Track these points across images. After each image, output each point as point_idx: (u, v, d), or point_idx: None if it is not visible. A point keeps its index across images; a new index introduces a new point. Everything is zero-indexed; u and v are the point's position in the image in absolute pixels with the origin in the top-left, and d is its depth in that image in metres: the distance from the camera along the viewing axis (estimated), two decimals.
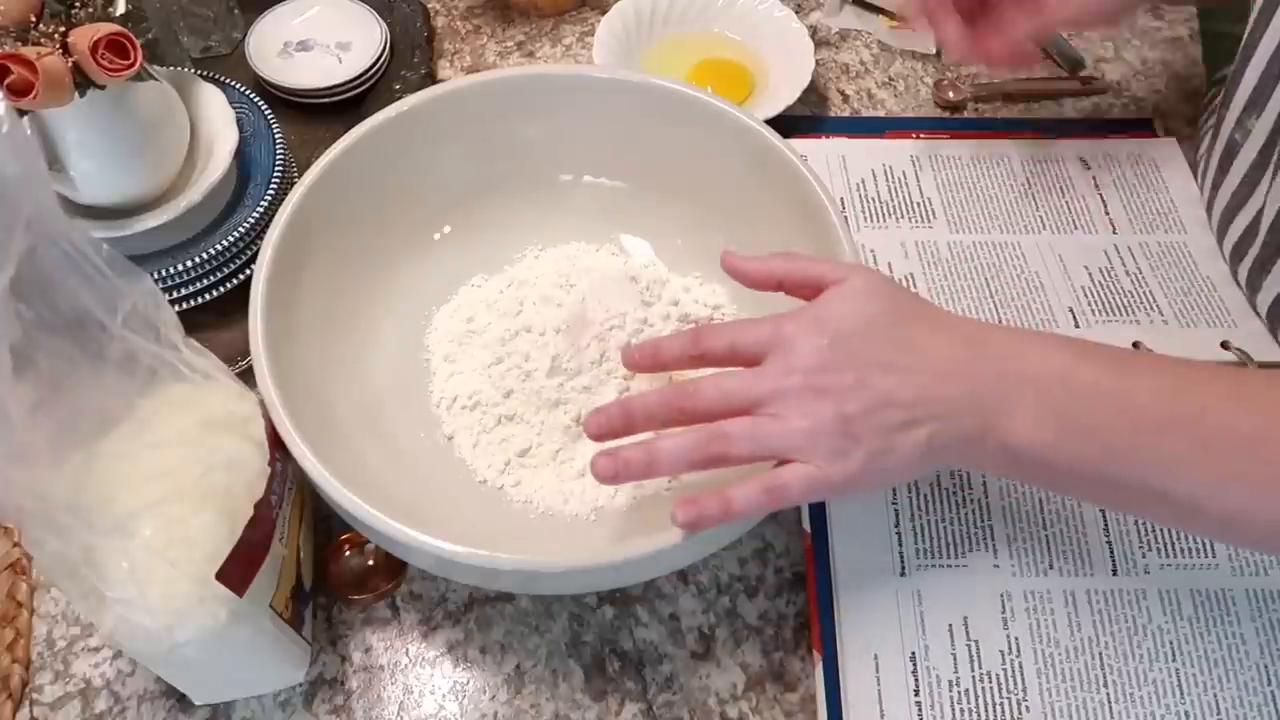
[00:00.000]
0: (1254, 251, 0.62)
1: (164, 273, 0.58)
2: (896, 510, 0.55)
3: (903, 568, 0.54)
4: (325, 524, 0.56)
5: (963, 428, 0.42)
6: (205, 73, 0.65)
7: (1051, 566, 0.54)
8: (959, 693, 0.50)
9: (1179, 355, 0.59)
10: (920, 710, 0.50)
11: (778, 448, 0.42)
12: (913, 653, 0.51)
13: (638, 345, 0.48)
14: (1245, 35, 0.61)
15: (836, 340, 0.42)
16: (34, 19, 0.51)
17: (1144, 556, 0.54)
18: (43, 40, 0.51)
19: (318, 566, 0.54)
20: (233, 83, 0.66)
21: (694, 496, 0.42)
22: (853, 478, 0.41)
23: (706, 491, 0.43)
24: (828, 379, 0.41)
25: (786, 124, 0.72)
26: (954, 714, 0.50)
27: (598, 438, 0.45)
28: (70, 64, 0.51)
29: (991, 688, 0.50)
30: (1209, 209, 0.68)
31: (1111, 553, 0.54)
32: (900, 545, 0.54)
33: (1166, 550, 0.54)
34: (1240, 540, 0.50)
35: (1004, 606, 0.53)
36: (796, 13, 0.78)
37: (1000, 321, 0.62)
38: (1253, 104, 0.61)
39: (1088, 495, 0.48)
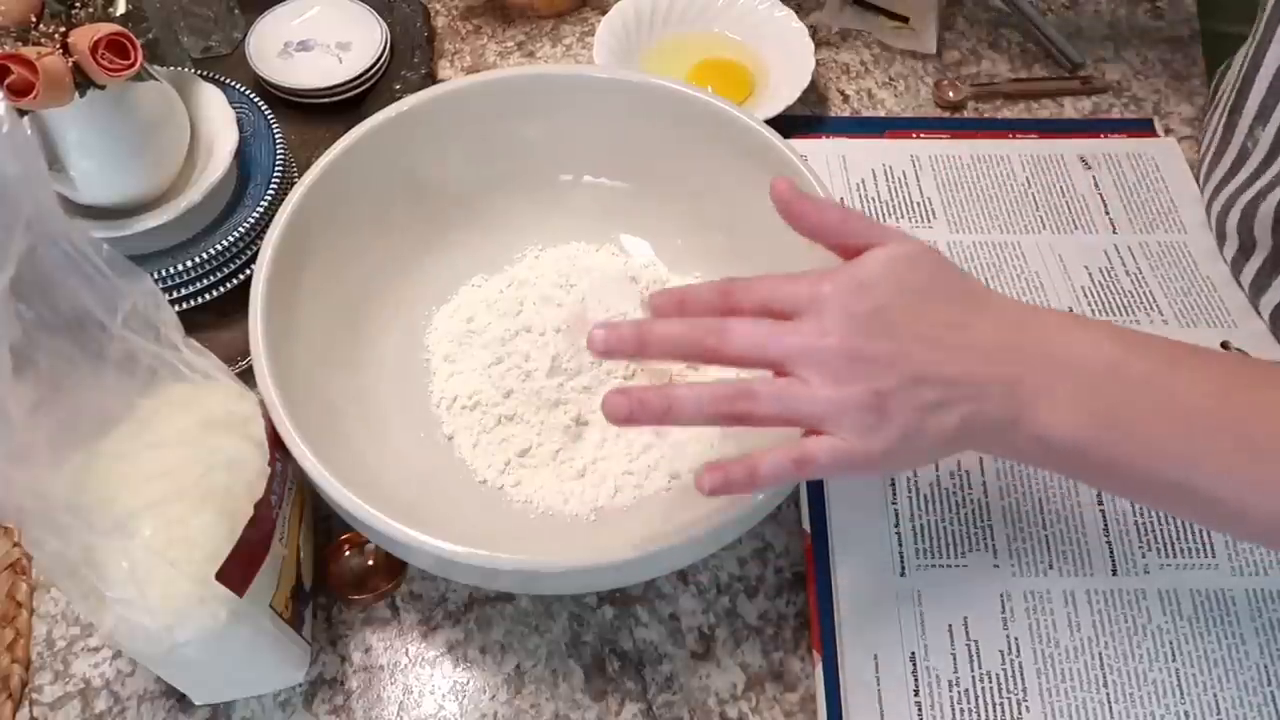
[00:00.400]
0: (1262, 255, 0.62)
1: (164, 273, 0.58)
2: (896, 510, 0.55)
3: (903, 568, 0.54)
4: (325, 524, 0.56)
5: (997, 413, 0.40)
6: (205, 73, 0.65)
7: (1051, 566, 0.54)
8: (959, 693, 0.50)
9: None
10: (920, 710, 0.50)
11: (806, 414, 0.40)
12: (913, 653, 0.51)
13: (664, 290, 0.44)
14: (1253, 45, 0.61)
15: (878, 308, 0.40)
16: (34, 19, 0.51)
17: (1144, 556, 0.54)
18: (43, 40, 0.51)
19: (318, 566, 0.54)
20: (233, 83, 0.66)
21: (720, 463, 0.41)
22: (881, 455, 0.40)
23: (733, 461, 0.41)
24: (864, 346, 0.39)
25: (786, 124, 0.72)
26: (954, 714, 0.50)
27: (604, 354, 0.42)
28: (70, 64, 0.51)
29: (991, 688, 0.50)
30: (1211, 209, 0.68)
31: (1111, 553, 0.54)
32: (900, 545, 0.54)
33: (1166, 550, 0.54)
34: None
35: (1004, 606, 0.53)
36: (796, 13, 0.78)
37: None
38: (1260, 115, 0.61)
39: (1122, 491, 0.46)
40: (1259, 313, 0.63)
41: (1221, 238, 0.66)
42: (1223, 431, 0.40)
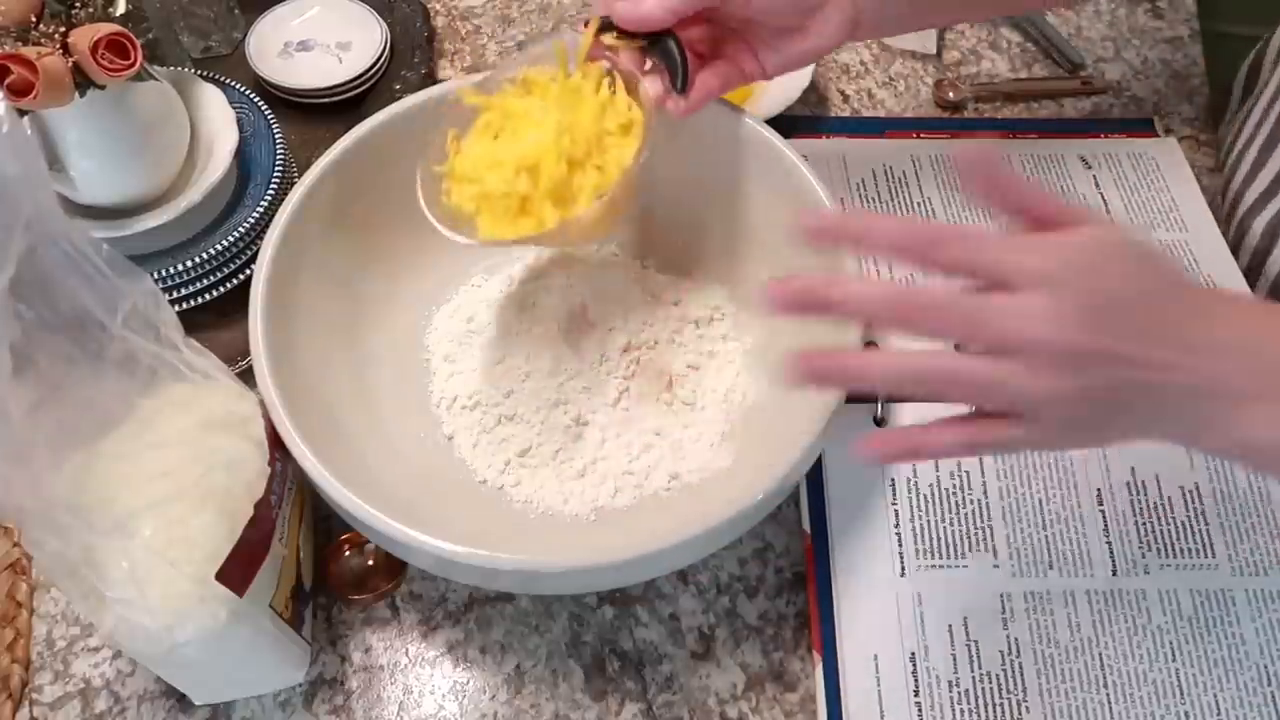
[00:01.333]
0: None
1: (164, 273, 0.58)
2: (896, 510, 0.55)
3: (903, 568, 0.54)
4: (325, 524, 0.56)
5: (1195, 414, 0.38)
6: (205, 73, 0.65)
7: (1051, 567, 0.54)
8: (959, 693, 0.50)
9: None
10: (920, 710, 0.50)
11: (1012, 403, 0.37)
12: (912, 653, 0.51)
13: (841, 215, 0.40)
14: None
15: (1112, 301, 0.36)
16: (34, 19, 0.51)
17: (1144, 556, 0.54)
18: (43, 40, 0.51)
19: (318, 566, 0.54)
20: (233, 83, 0.66)
21: (888, 434, 0.39)
22: (1062, 446, 0.39)
23: (900, 430, 0.39)
24: (1093, 343, 0.35)
25: (786, 124, 0.72)
26: (954, 714, 0.50)
27: (786, 305, 0.38)
28: (70, 64, 0.51)
29: (991, 688, 0.50)
30: (1251, 224, 0.66)
31: (1111, 553, 0.54)
32: (900, 546, 0.54)
33: (1166, 550, 0.54)
34: None
35: (1004, 607, 0.53)
36: None
37: None
38: None
39: None
40: None
41: (1266, 252, 0.64)
42: None
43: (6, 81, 0.49)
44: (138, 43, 0.53)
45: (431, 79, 0.77)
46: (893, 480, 0.57)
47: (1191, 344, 0.37)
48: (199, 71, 0.65)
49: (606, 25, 0.50)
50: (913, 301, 0.36)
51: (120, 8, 0.56)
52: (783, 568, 0.56)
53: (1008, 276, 0.36)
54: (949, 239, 0.37)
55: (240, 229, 0.60)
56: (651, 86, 0.50)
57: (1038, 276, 0.35)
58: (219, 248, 0.60)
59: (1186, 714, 0.50)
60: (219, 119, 0.63)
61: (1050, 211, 0.38)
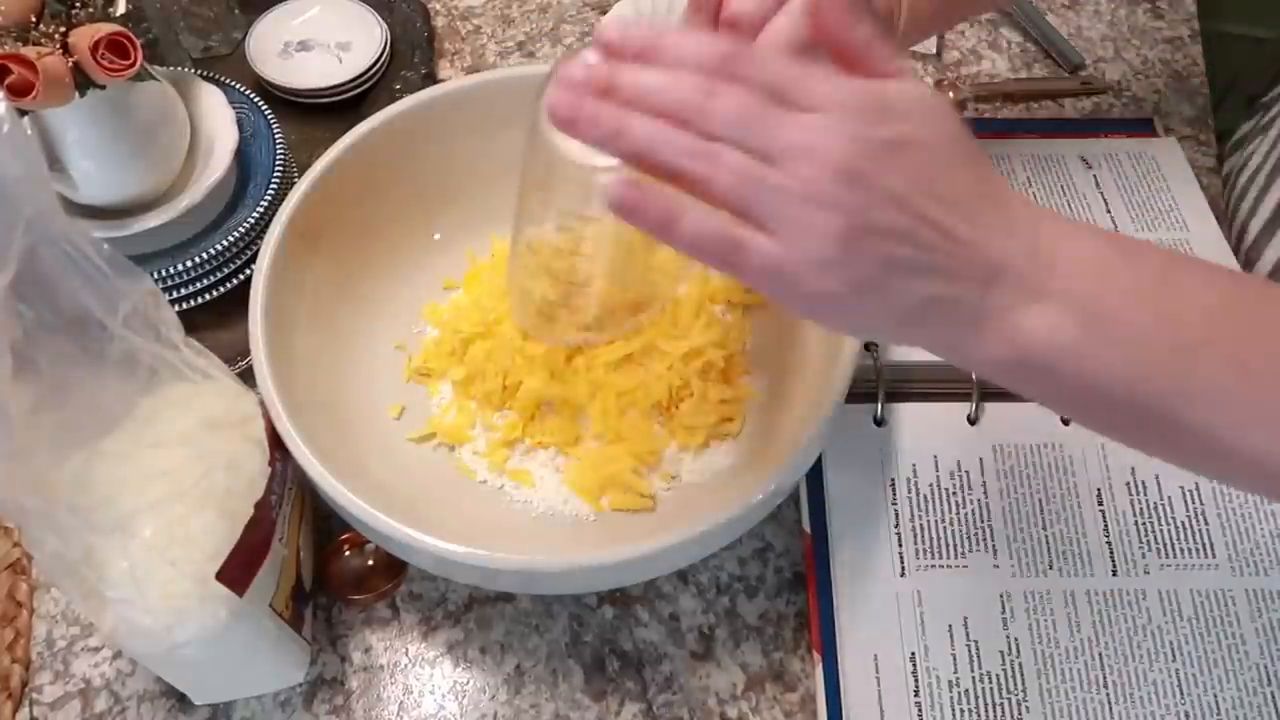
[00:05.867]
0: None
1: (164, 273, 0.58)
2: (896, 511, 0.55)
3: (903, 568, 0.54)
4: (325, 524, 0.56)
5: (971, 303, 0.35)
6: (205, 73, 0.65)
7: (1051, 567, 0.54)
8: (959, 693, 0.50)
9: None
10: (920, 710, 0.50)
11: (764, 207, 0.33)
12: (913, 653, 0.51)
13: (629, 29, 0.35)
14: None
15: (899, 141, 0.33)
16: (34, 19, 0.51)
17: (1144, 556, 0.54)
18: (43, 40, 0.51)
19: (318, 566, 0.54)
20: (233, 83, 0.66)
21: (643, 187, 0.34)
22: (824, 296, 0.34)
23: (657, 193, 0.34)
24: (867, 172, 0.33)
25: None
26: (954, 714, 0.50)
27: (565, 84, 0.34)
28: (70, 64, 0.51)
29: (991, 688, 0.50)
30: (1241, 233, 0.66)
31: (1111, 553, 0.54)
32: (900, 545, 0.54)
33: (1166, 550, 0.54)
34: (1267, 490, 0.40)
35: (1004, 607, 0.52)
36: None
37: None
38: None
39: (1089, 415, 0.39)
40: None
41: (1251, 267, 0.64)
42: (1215, 349, 0.35)
43: (6, 81, 0.49)
44: (138, 43, 0.53)
45: (431, 79, 0.77)
46: (893, 480, 0.57)
47: (982, 220, 0.35)
48: (199, 71, 0.65)
49: None
50: (693, 85, 0.33)
51: (120, 8, 0.57)
52: (783, 568, 0.56)
53: (801, 98, 0.33)
54: (736, 58, 0.34)
55: (240, 229, 0.60)
56: None
57: (833, 101, 0.33)
58: (219, 248, 0.60)
59: (1186, 714, 0.50)
60: (219, 119, 0.63)
61: (871, 59, 0.35)
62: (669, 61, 0.34)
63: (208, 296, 0.61)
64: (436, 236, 0.63)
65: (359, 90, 0.74)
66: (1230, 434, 0.35)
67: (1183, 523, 0.55)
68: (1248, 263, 0.67)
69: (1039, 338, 0.35)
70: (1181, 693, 0.50)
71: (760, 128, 0.33)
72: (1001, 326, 0.35)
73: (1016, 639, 0.52)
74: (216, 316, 0.61)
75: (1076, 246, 0.36)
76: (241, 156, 0.63)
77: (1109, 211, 0.69)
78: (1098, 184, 0.71)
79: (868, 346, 0.59)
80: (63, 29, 0.52)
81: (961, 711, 0.50)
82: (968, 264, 0.34)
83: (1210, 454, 0.37)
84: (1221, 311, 0.36)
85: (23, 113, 0.53)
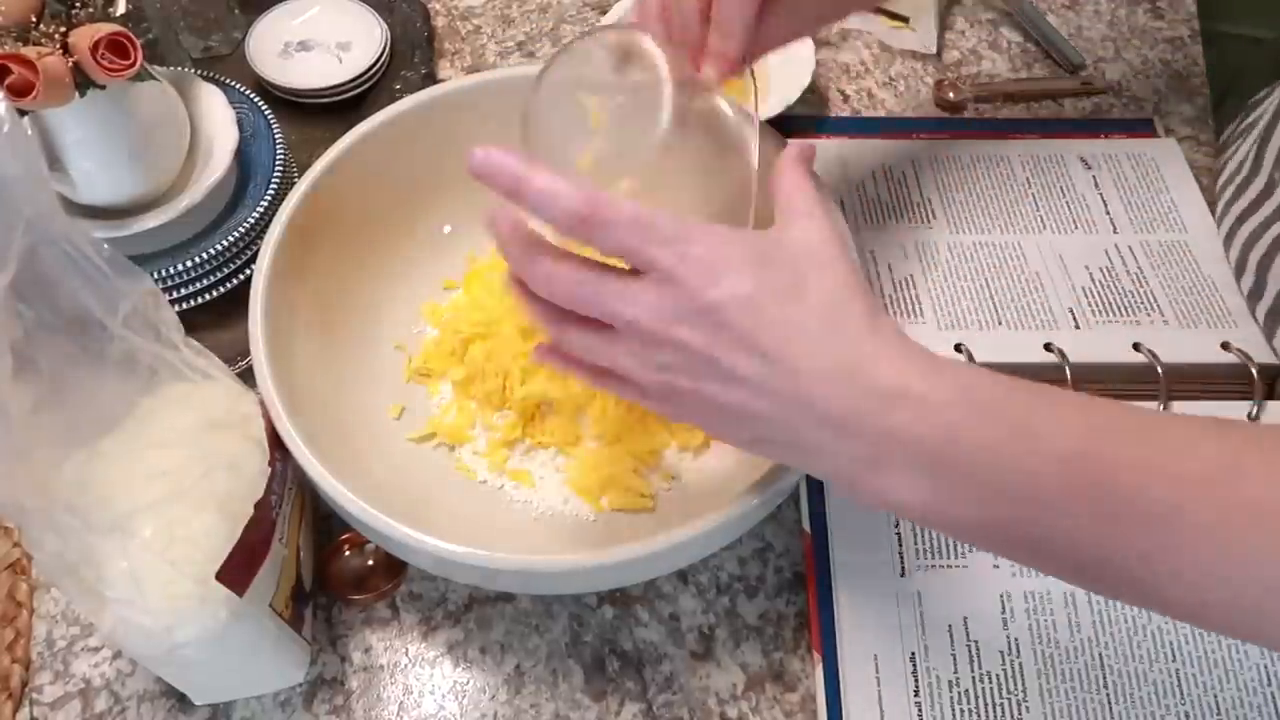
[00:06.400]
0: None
1: (164, 273, 0.58)
2: None
3: (903, 568, 0.54)
4: (325, 524, 0.56)
5: (830, 473, 0.38)
6: (205, 73, 0.65)
7: None
8: (959, 693, 0.50)
9: (1173, 359, 0.58)
10: (920, 710, 0.50)
11: (601, 365, 0.40)
12: (912, 653, 0.51)
13: (492, 155, 0.40)
14: None
15: (710, 307, 0.36)
16: (34, 19, 0.51)
17: None
18: (43, 40, 0.51)
19: (318, 566, 0.54)
20: (233, 83, 0.66)
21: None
22: (673, 417, 0.41)
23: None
24: (678, 335, 0.37)
25: (786, 124, 0.72)
26: (954, 714, 0.50)
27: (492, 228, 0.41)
28: (70, 64, 0.51)
29: (991, 688, 0.50)
30: (1234, 239, 0.66)
31: None
32: (900, 545, 0.54)
33: None
34: (1162, 611, 0.39)
35: (1004, 607, 0.52)
36: None
37: (1000, 323, 0.62)
38: None
39: (972, 543, 0.43)
40: (1274, 350, 0.62)
41: (1241, 269, 0.65)
42: (1076, 500, 0.35)
43: (6, 81, 0.49)
44: (138, 43, 0.53)
45: (431, 79, 0.77)
46: None
47: (796, 376, 0.36)
48: (199, 71, 0.65)
49: None
50: (549, 259, 0.39)
51: (120, 8, 0.57)
52: (783, 568, 0.56)
53: (642, 264, 0.37)
54: (609, 222, 0.37)
55: (240, 229, 0.60)
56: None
57: (660, 269, 0.37)
58: (219, 248, 0.60)
59: (1186, 714, 0.50)
60: (219, 119, 0.63)
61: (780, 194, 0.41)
62: (530, 207, 0.38)
63: (208, 296, 0.61)
64: (437, 235, 0.63)
65: (359, 90, 0.74)
66: (1104, 571, 0.36)
67: None
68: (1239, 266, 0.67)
69: (900, 498, 0.37)
70: (1181, 693, 0.50)
71: (598, 300, 0.38)
72: (870, 491, 0.37)
73: (1016, 639, 0.52)
74: (216, 316, 0.61)
75: (918, 417, 0.36)
76: (241, 156, 0.63)
77: (1108, 212, 0.69)
78: (1096, 184, 0.71)
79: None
80: (63, 29, 0.52)
81: (961, 711, 0.50)
82: (808, 448, 0.38)
83: (1101, 586, 0.37)
84: (1079, 455, 0.35)
85: (23, 113, 0.53)
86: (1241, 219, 0.65)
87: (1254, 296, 0.63)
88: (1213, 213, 0.69)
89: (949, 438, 0.36)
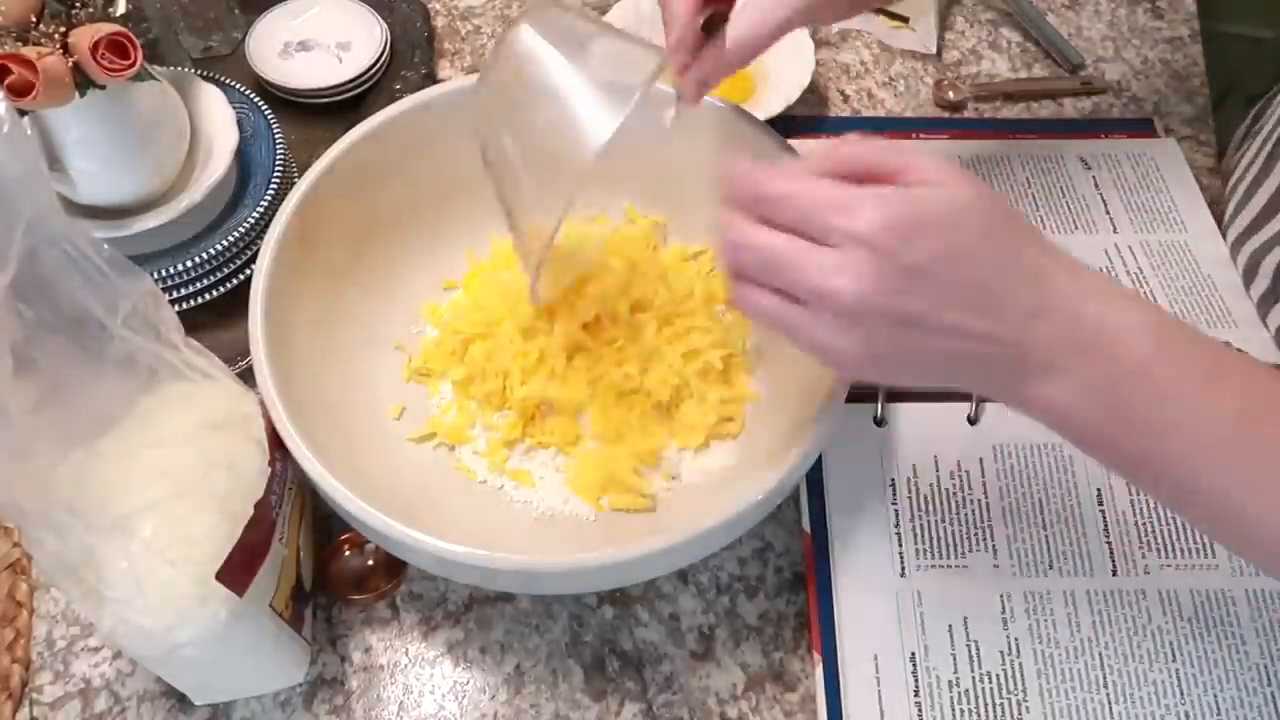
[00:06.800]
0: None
1: (164, 273, 0.58)
2: (896, 510, 0.55)
3: (903, 568, 0.54)
4: (325, 524, 0.56)
5: (1001, 371, 0.39)
6: (205, 73, 0.65)
7: (1051, 567, 0.54)
8: (959, 693, 0.50)
9: None
10: (920, 710, 0.50)
11: (798, 341, 0.39)
12: (912, 653, 0.51)
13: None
14: None
15: (914, 269, 0.36)
16: (34, 19, 0.51)
17: (1144, 557, 0.54)
18: (43, 40, 0.51)
19: (318, 566, 0.54)
20: (233, 83, 0.66)
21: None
22: (864, 376, 0.40)
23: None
24: (884, 302, 0.37)
25: (786, 124, 0.72)
26: (954, 714, 0.50)
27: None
28: (70, 64, 0.51)
29: (991, 688, 0.50)
30: (1243, 245, 0.66)
31: (1111, 553, 0.54)
32: (900, 546, 0.54)
33: (1166, 551, 0.54)
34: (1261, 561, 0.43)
35: (1004, 607, 0.53)
36: None
37: None
38: None
39: (1120, 472, 0.43)
40: (1265, 324, 0.62)
41: (1251, 274, 0.65)
42: (1237, 459, 0.38)
43: (6, 81, 0.49)
44: (138, 43, 0.53)
45: (431, 79, 0.77)
46: (893, 480, 0.57)
47: (1011, 308, 0.37)
48: (199, 71, 0.65)
49: None
50: (750, 243, 0.39)
51: (120, 8, 0.57)
52: (783, 568, 0.56)
53: (829, 236, 0.37)
54: (780, 198, 0.38)
55: (240, 229, 0.60)
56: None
57: (851, 237, 0.37)
58: (219, 248, 0.60)
59: (1186, 714, 0.50)
60: (219, 119, 0.63)
61: (886, 166, 0.39)
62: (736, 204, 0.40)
63: (208, 296, 0.61)
64: (437, 235, 0.63)
65: (359, 90, 0.74)
66: (1245, 521, 0.38)
67: (1183, 523, 0.55)
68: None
69: (1065, 413, 0.39)
70: (1181, 693, 0.50)
71: (799, 277, 0.38)
72: (1034, 396, 0.39)
73: (1016, 639, 0.52)
74: (216, 316, 0.61)
75: (1116, 333, 0.38)
76: (241, 156, 0.63)
77: (1108, 212, 0.69)
78: (1096, 184, 0.71)
79: None
80: (63, 29, 0.52)
81: (961, 711, 0.50)
82: (990, 358, 0.38)
83: (1231, 536, 0.41)
84: (1248, 419, 0.38)
85: (23, 113, 0.53)
86: (1256, 225, 0.65)
87: (1266, 302, 0.63)
88: (1216, 215, 0.69)
89: (1137, 363, 0.37)
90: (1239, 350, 0.41)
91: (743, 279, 0.40)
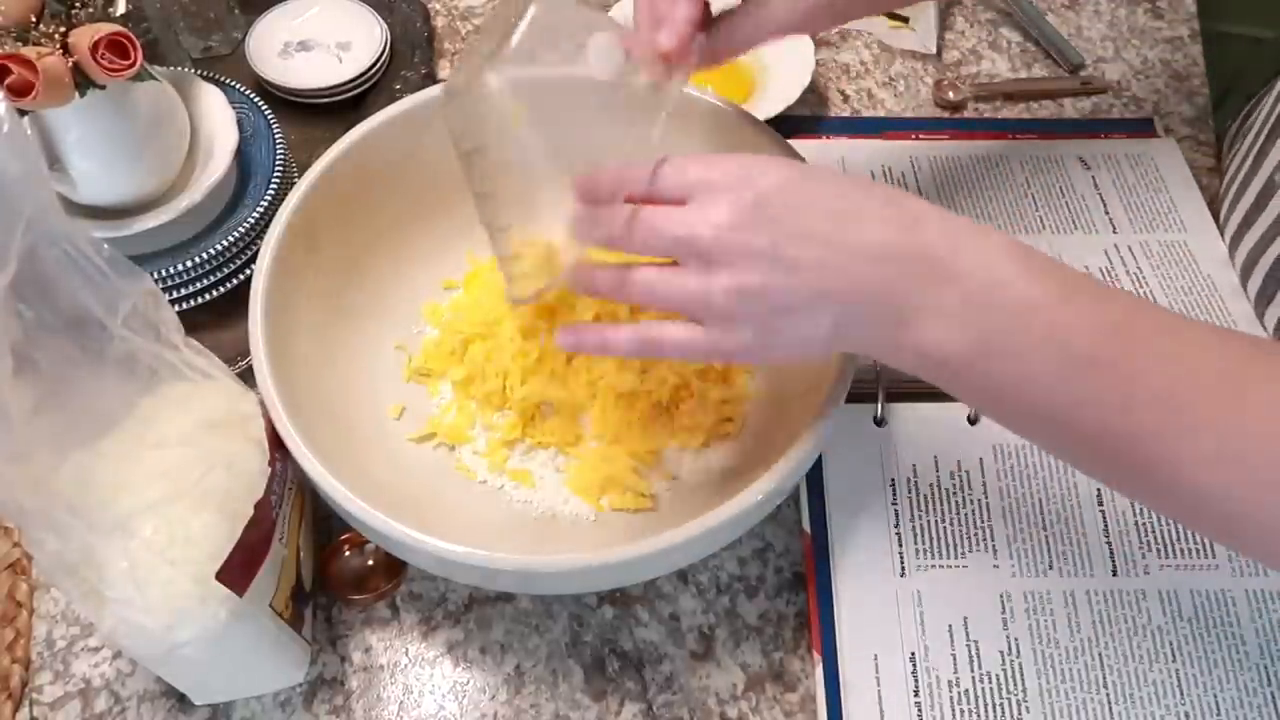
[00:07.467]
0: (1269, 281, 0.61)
1: (164, 273, 0.58)
2: (896, 510, 0.56)
3: (903, 568, 0.54)
4: (325, 524, 0.56)
5: (874, 318, 0.39)
6: (205, 73, 0.65)
7: (1051, 567, 0.54)
8: (959, 693, 0.50)
9: None
10: (920, 710, 0.50)
11: (674, 304, 0.41)
12: (912, 653, 0.51)
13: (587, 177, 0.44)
14: None
15: (761, 197, 0.39)
16: (34, 19, 0.51)
17: (1144, 557, 0.54)
18: (43, 40, 0.51)
19: (318, 566, 0.54)
20: (233, 83, 0.66)
21: (575, 325, 0.43)
22: (736, 350, 0.40)
23: (586, 325, 0.43)
24: (740, 237, 0.38)
25: (786, 124, 0.72)
26: (954, 714, 0.50)
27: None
28: (70, 64, 0.51)
29: (991, 688, 0.50)
30: (1241, 243, 0.66)
31: (1111, 553, 0.54)
32: (900, 545, 0.54)
33: (1166, 551, 0.54)
34: (1151, 500, 0.43)
35: (1004, 607, 0.53)
36: None
37: None
38: None
39: (998, 418, 0.42)
40: (1263, 324, 0.62)
41: (1247, 271, 0.65)
42: (1105, 376, 0.37)
43: (6, 81, 0.49)
44: (138, 43, 0.53)
45: (431, 79, 0.77)
46: (893, 480, 0.57)
47: (856, 241, 0.38)
48: (199, 71, 0.65)
49: None
50: (613, 225, 0.41)
51: (120, 8, 0.57)
52: (783, 568, 0.56)
53: (674, 196, 0.40)
54: (640, 177, 0.41)
55: (240, 229, 0.60)
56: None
57: (699, 185, 0.40)
58: (219, 248, 0.60)
59: (1186, 714, 0.50)
60: (219, 119, 0.63)
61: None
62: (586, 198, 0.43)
63: (208, 296, 0.61)
64: (437, 235, 0.63)
65: (359, 90, 0.74)
66: (1114, 445, 0.37)
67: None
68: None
69: (935, 347, 0.38)
70: (1181, 693, 0.50)
71: (658, 232, 0.40)
72: (908, 338, 0.39)
73: (1016, 639, 0.52)
74: (216, 316, 0.61)
75: (974, 261, 0.38)
76: (241, 156, 0.63)
77: (1107, 213, 0.69)
78: (1096, 185, 0.71)
79: None
80: (63, 29, 0.52)
81: (961, 711, 0.50)
82: (858, 289, 0.38)
83: (1100, 461, 0.39)
84: (1115, 336, 0.37)
85: (23, 113, 0.53)
86: (1248, 221, 0.65)
87: (1262, 301, 0.63)
88: (1214, 214, 0.69)
89: (996, 285, 0.37)
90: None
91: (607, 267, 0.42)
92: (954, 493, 0.56)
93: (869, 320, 0.39)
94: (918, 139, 0.74)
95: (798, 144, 0.55)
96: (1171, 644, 0.51)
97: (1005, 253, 0.38)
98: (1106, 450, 0.38)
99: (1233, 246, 0.66)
